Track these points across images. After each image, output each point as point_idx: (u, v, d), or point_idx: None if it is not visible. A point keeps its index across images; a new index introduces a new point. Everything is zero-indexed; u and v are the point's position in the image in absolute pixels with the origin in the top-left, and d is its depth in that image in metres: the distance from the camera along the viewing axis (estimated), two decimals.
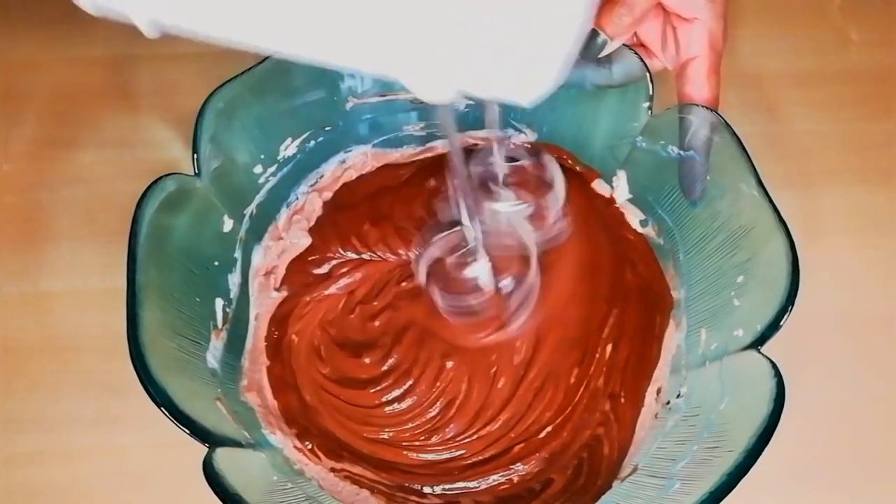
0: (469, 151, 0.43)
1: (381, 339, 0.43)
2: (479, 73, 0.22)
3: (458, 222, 0.40)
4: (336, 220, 0.46)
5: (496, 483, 0.41)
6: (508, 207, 0.41)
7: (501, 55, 0.21)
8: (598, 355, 0.42)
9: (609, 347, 0.43)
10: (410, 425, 0.41)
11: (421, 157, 0.49)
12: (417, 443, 0.41)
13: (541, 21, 0.21)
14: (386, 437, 0.41)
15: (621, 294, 0.44)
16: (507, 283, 0.41)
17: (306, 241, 0.46)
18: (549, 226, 0.42)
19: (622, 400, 0.41)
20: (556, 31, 0.21)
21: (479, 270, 0.40)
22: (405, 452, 0.41)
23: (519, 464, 0.41)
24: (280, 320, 0.44)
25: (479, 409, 0.42)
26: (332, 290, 0.45)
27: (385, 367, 0.42)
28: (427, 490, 0.41)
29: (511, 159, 0.42)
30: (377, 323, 0.44)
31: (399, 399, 0.42)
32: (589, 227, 0.45)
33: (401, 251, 0.45)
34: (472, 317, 0.41)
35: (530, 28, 0.21)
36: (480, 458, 0.41)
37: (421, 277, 0.42)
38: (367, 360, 0.43)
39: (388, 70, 0.23)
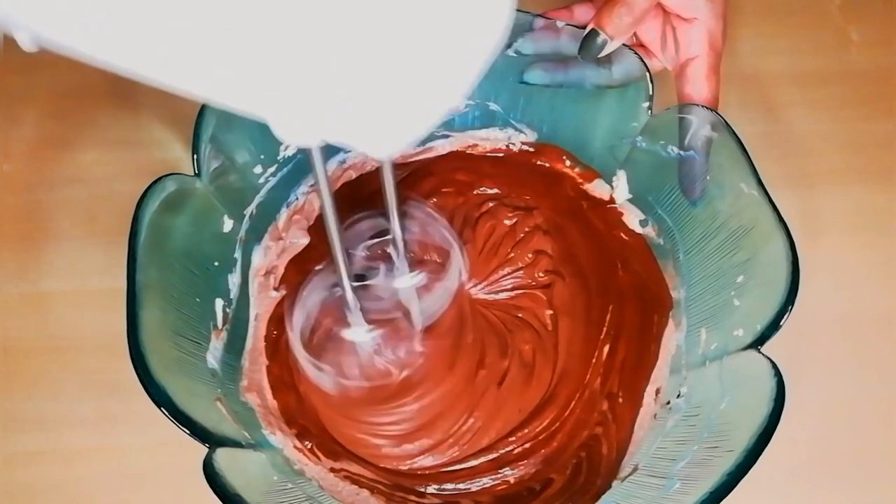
0: (354, 221, 0.41)
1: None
2: (341, 120, 0.22)
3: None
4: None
5: (495, 483, 0.41)
6: (407, 282, 0.39)
7: (365, 109, 0.21)
8: (595, 356, 0.42)
9: (606, 348, 0.43)
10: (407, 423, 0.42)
11: (420, 157, 0.49)
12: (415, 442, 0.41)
13: (412, 84, 0.20)
14: (384, 432, 0.41)
15: (615, 294, 0.44)
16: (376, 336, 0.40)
17: (306, 240, 0.46)
18: (437, 293, 0.41)
19: (620, 400, 0.41)
20: (437, 91, 0.21)
21: (354, 332, 0.39)
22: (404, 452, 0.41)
23: (518, 464, 0.41)
24: (279, 320, 0.44)
25: (477, 408, 0.42)
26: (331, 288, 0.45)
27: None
28: (426, 490, 0.41)
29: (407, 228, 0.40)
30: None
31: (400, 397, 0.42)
32: (563, 232, 0.45)
33: None
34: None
35: (400, 88, 0.20)
36: (479, 458, 0.41)
37: (294, 337, 0.40)
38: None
39: (254, 112, 0.22)
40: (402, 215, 0.36)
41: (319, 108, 0.21)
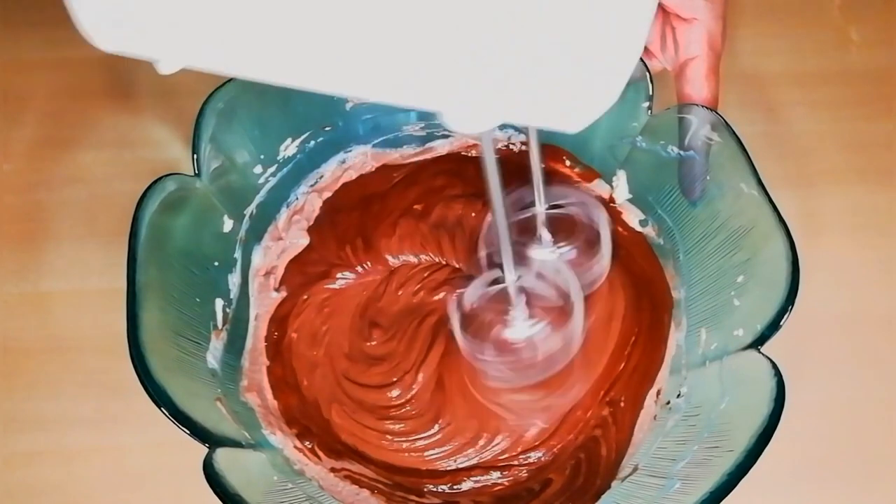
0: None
1: (387, 344, 0.44)
2: (523, 98, 0.21)
3: (497, 265, 0.38)
4: (334, 222, 0.46)
5: (494, 483, 0.41)
6: (550, 254, 0.39)
7: (551, 78, 0.20)
8: (614, 364, 0.42)
9: (622, 363, 0.42)
10: (410, 423, 0.41)
11: (420, 157, 0.49)
12: (417, 442, 0.41)
13: (601, 35, 0.19)
14: (384, 430, 0.41)
15: (633, 296, 0.43)
16: (541, 332, 0.39)
17: (305, 240, 0.46)
18: (590, 268, 0.41)
19: (622, 405, 0.41)
20: (619, 48, 0.20)
21: (517, 332, 0.39)
22: (404, 454, 0.41)
23: (515, 465, 0.41)
24: (280, 320, 0.44)
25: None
26: (331, 288, 0.45)
27: (386, 368, 0.43)
28: (426, 490, 0.41)
29: (555, 205, 0.40)
30: (378, 328, 0.44)
31: (397, 393, 0.42)
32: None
33: (401, 257, 0.46)
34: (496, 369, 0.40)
35: (589, 44, 0.19)
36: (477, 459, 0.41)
37: (455, 324, 0.40)
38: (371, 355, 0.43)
39: (424, 104, 0.21)
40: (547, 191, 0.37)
41: (500, 91, 0.20)
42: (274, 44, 0.20)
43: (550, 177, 0.42)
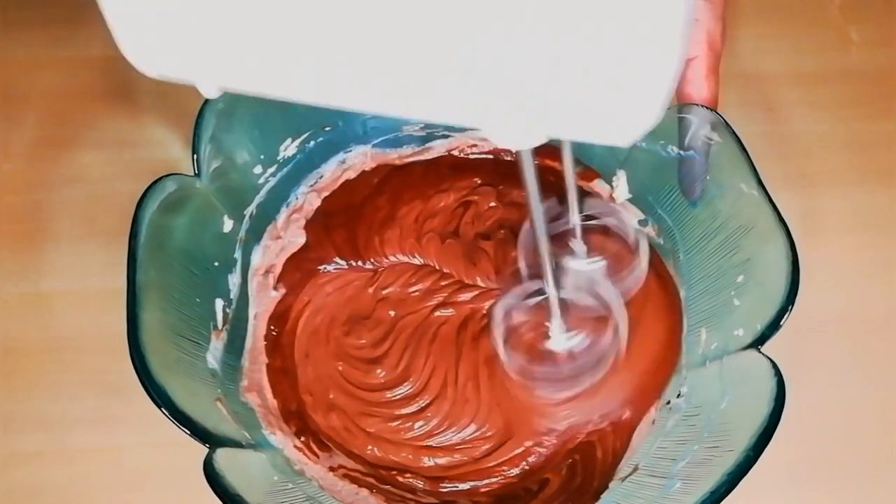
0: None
1: (385, 348, 0.44)
2: (572, 113, 0.20)
3: (535, 276, 0.38)
4: (330, 219, 0.47)
5: (492, 483, 0.41)
6: (587, 265, 0.39)
7: (600, 91, 0.19)
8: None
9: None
10: (407, 423, 0.42)
11: (419, 157, 0.49)
12: (415, 441, 0.42)
13: (647, 46, 0.19)
14: (382, 428, 0.42)
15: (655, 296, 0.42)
16: (580, 343, 0.39)
17: (303, 238, 0.46)
18: (626, 276, 0.41)
19: (625, 418, 0.41)
20: (663, 54, 0.19)
21: (557, 343, 0.39)
22: (402, 452, 0.41)
23: (512, 467, 0.41)
24: (278, 318, 0.44)
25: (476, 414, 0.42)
26: (328, 287, 0.46)
27: (389, 372, 0.43)
28: (423, 489, 0.41)
29: (589, 217, 0.40)
30: (377, 330, 0.44)
31: (397, 393, 0.42)
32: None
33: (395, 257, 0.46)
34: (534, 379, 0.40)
35: (636, 56, 0.19)
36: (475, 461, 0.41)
37: (498, 338, 0.40)
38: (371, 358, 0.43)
39: (469, 122, 0.21)
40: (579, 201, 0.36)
41: (548, 107, 0.20)
42: (316, 65, 0.21)
43: (579, 188, 0.42)
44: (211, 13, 0.20)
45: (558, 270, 0.39)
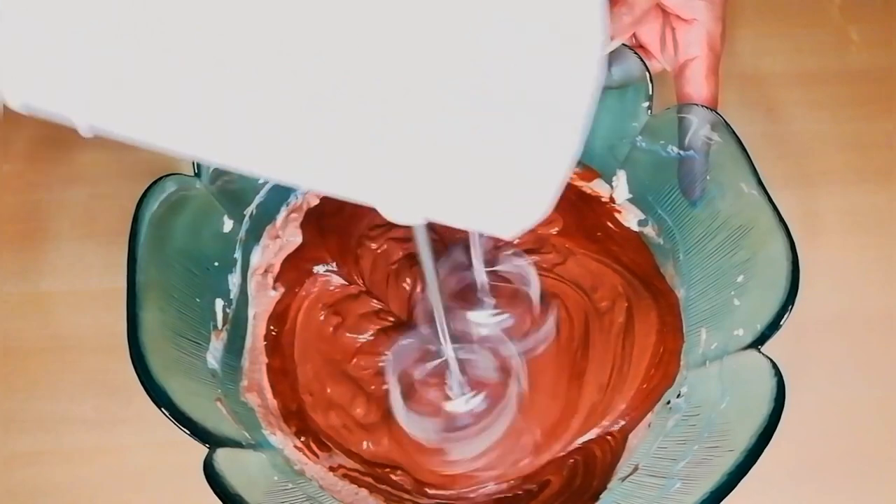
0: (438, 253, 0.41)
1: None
2: (451, 201, 0.19)
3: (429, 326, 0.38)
4: (324, 219, 0.47)
5: (491, 486, 0.41)
6: (488, 318, 0.39)
7: (482, 182, 0.18)
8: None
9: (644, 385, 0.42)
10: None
11: None
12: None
13: (536, 144, 0.18)
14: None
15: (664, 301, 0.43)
16: (479, 403, 0.39)
17: (300, 238, 0.46)
18: (531, 335, 0.41)
19: (624, 424, 0.41)
20: (554, 153, 0.18)
21: (456, 405, 0.39)
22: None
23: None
24: (279, 318, 0.44)
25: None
26: (325, 285, 0.46)
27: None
28: (422, 490, 0.40)
29: (487, 263, 0.40)
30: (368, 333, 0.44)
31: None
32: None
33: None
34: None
35: (522, 151, 0.18)
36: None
37: (394, 394, 0.40)
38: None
39: (348, 194, 0.20)
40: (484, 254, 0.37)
41: (425, 189, 0.19)
42: (193, 123, 0.19)
43: (490, 240, 0.42)
44: (89, 42, 0.18)
45: (463, 324, 0.39)
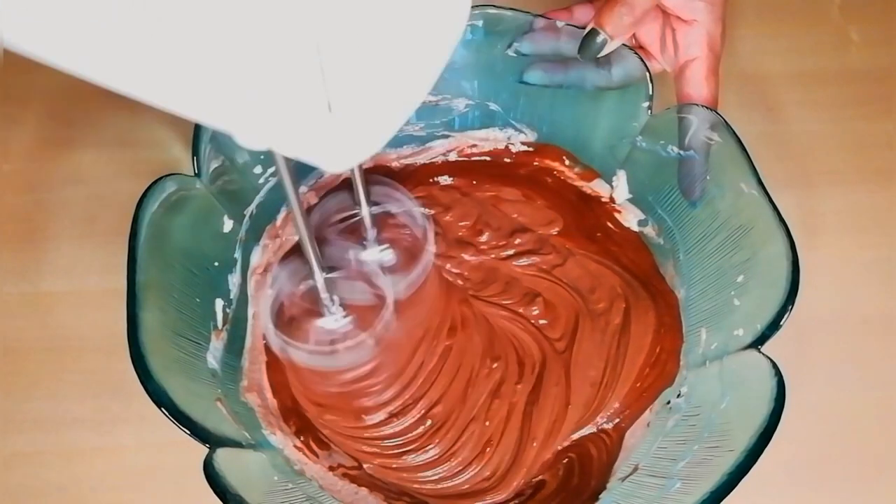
0: (327, 191, 0.44)
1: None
2: (289, 132, 0.21)
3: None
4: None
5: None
6: (374, 255, 0.40)
7: (315, 114, 0.20)
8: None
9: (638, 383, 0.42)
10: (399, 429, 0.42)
11: (418, 157, 0.49)
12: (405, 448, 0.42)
13: (376, 89, 0.20)
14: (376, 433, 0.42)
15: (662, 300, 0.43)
16: (347, 323, 0.40)
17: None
18: (413, 272, 0.41)
19: (620, 423, 0.41)
20: (393, 101, 0.20)
21: (326, 320, 0.40)
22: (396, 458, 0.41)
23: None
24: (277, 316, 0.44)
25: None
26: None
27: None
28: (421, 489, 0.41)
29: (374, 203, 0.41)
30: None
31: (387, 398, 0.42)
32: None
33: None
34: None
35: (362, 93, 0.20)
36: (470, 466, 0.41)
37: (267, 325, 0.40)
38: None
39: (213, 122, 0.22)
40: (369, 193, 0.38)
41: (268, 121, 0.21)
42: (70, 34, 0.21)
43: (374, 177, 0.43)
44: None
45: (345, 261, 0.40)
